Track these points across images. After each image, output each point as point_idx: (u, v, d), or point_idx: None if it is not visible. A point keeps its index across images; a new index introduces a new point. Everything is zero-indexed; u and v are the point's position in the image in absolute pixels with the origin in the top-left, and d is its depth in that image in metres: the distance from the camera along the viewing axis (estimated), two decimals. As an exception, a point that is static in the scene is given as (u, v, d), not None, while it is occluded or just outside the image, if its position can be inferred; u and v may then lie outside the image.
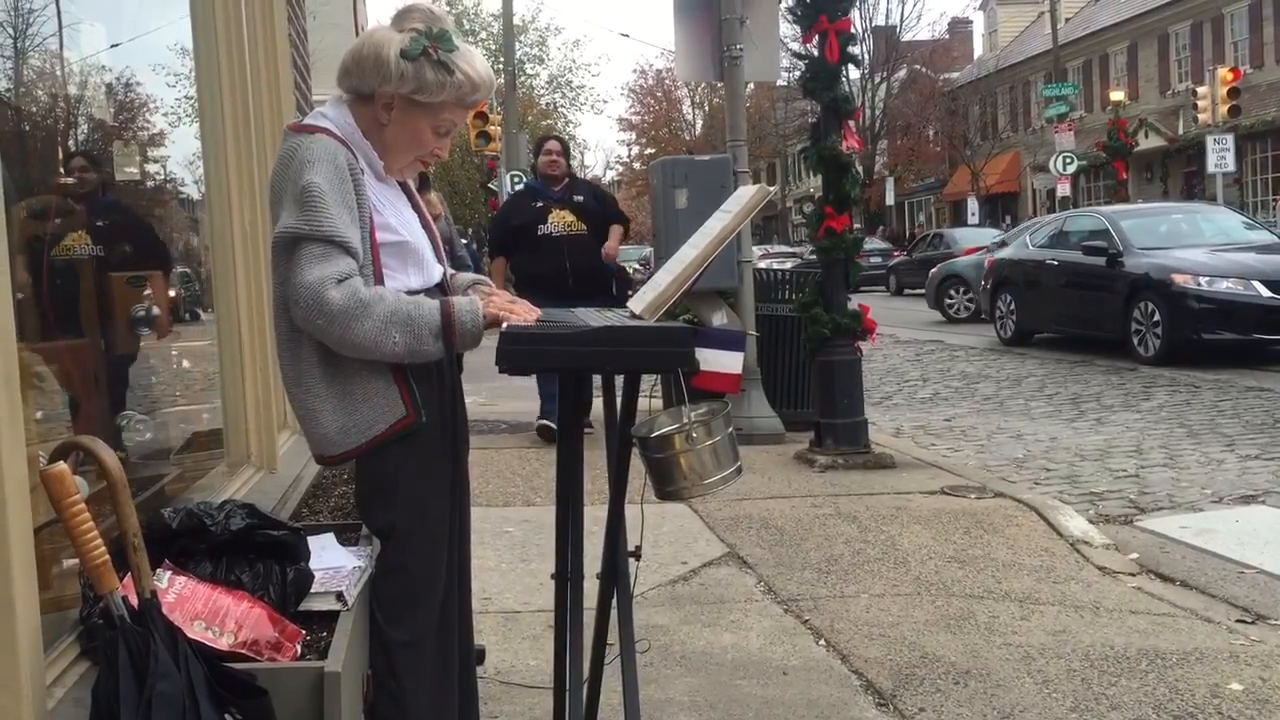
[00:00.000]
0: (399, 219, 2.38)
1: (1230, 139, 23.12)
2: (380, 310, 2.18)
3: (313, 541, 2.47)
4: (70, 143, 3.78)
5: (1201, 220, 13.29)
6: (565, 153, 7.93)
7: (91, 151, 3.85)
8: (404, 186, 2.52)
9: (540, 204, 7.56)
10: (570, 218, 7.46)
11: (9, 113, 3.10)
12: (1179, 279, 11.07)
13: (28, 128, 3.34)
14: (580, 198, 7.62)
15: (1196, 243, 12.17)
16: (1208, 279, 10.98)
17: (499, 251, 7.90)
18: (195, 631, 1.99)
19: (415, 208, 2.52)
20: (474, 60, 2.33)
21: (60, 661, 2.06)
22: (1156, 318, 11.22)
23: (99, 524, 1.87)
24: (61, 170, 3.54)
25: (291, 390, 2.34)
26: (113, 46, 3.94)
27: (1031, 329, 13.88)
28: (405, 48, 2.26)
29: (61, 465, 1.83)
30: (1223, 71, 24.76)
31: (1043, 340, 13.80)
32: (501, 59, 28.98)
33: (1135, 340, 11.52)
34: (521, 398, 9.16)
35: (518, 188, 9.04)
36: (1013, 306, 14.04)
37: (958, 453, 7.53)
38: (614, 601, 2.59)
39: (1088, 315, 12.54)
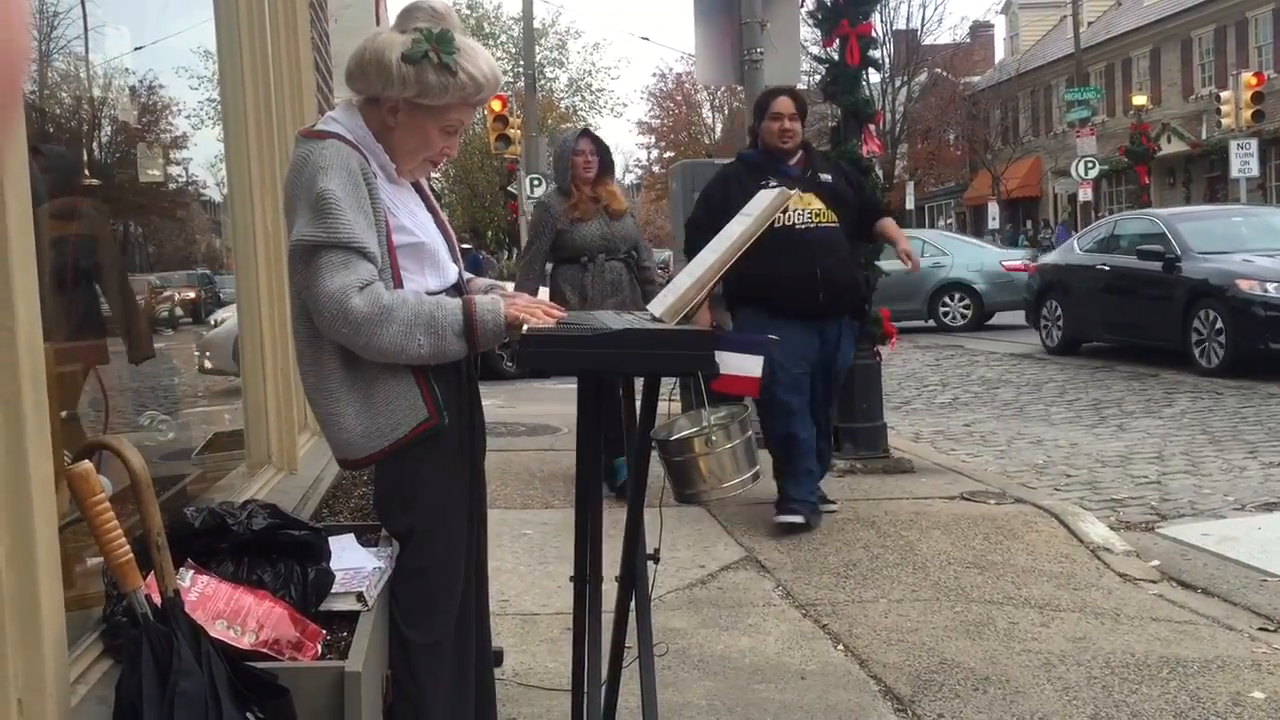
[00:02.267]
0: (413, 220, 2.37)
1: (1254, 144, 22.94)
2: (404, 314, 2.19)
3: (333, 542, 2.48)
4: (94, 144, 3.81)
5: (1261, 223, 12.48)
6: (802, 115, 5.42)
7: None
8: (417, 187, 2.51)
9: (773, 184, 4.66)
10: (818, 204, 5.22)
11: (34, 115, 3.13)
12: (1243, 285, 10.38)
13: (53, 130, 3.36)
14: (828, 177, 5.35)
15: (1258, 246, 11.29)
16: (1275, 284, 10.29)
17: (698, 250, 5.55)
18: (217, 630, 2.01)
19: (430, 208, 2.51)
20: (477, 59, 2.27)
21: (84, 659, 2.07)
22: (1219, 326, 10.52)
23: (122, 523, 1.89)
24: (86, 172, 3.57)
25: (313, 396, 2.35)
26: (137, 49, 3.97)
27: (1079, 337, 13.17)
28: (407, 51, 2.22)
29: (86, 464, 1.85)
30: (1246, 76, 24.60)
31: (1074, 348, 13.44)
32: (522, 62, 29.03)
33: (1196, 350, 10.80)
34: (539, 400, 9.19)
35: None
36: (1059, 313, 13.29)
37: (977, 458, 7.50)
38: (632, 604, 2.59)
39: (1142, 323, 11.86)
